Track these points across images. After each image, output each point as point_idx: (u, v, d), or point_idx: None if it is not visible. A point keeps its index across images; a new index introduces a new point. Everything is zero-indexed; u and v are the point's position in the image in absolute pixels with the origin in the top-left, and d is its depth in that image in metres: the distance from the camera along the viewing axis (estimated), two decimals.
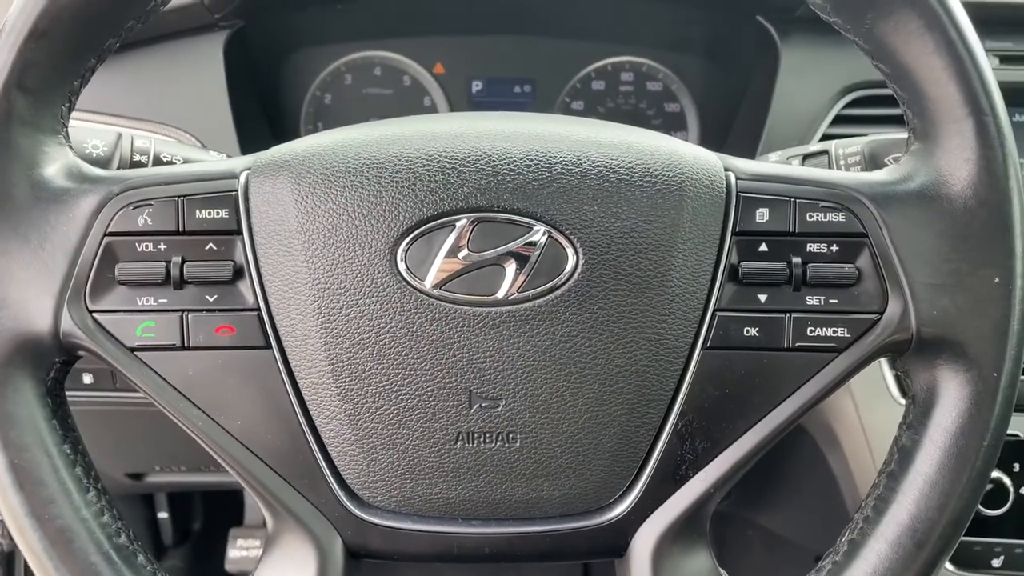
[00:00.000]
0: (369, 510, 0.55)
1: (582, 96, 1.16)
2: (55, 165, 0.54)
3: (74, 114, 0.58)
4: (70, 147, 0.56)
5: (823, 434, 0.94)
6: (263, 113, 1.10)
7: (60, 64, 0.53)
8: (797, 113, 0.98)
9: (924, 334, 0.53)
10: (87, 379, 0.93)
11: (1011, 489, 0.88)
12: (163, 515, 1.44)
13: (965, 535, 0.56)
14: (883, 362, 0.90)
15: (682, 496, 0.55)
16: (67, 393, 0.57)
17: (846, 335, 0.54)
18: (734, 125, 1.09)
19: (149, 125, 0.97)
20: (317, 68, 1.15)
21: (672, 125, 1.16)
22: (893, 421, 0.58)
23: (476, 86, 1.17)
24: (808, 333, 0.54)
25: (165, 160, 0.73)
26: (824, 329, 0.54)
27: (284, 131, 1.15)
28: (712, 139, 1.14)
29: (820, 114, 0.98)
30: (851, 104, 0.98)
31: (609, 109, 1.16)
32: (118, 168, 0.71)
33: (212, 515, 1.53)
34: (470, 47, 1.16)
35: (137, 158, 0.72)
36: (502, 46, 1.16)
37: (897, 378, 0.89)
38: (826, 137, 0.97)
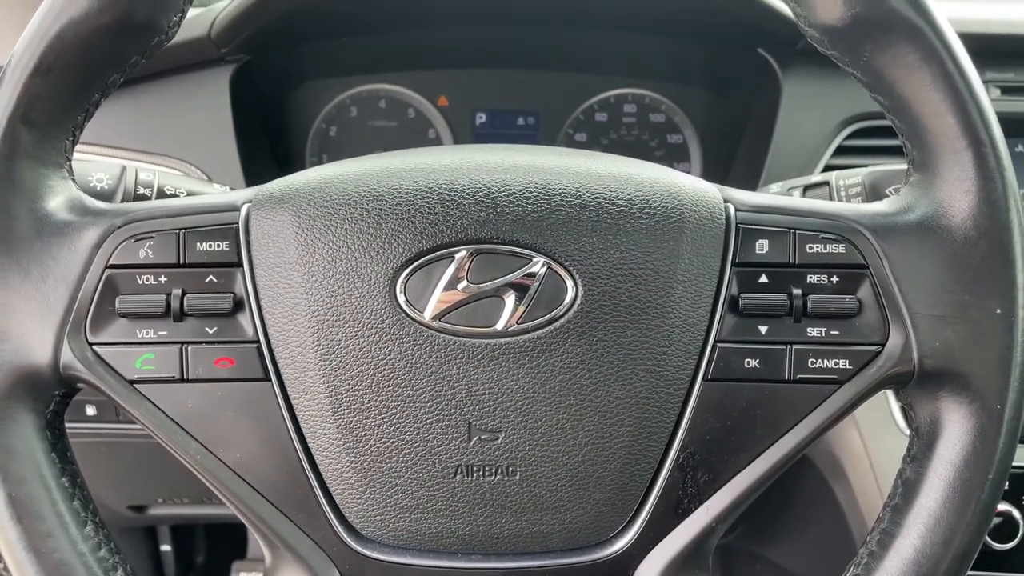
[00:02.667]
0: (367, 544, 0.55)
1: (585, 128, 1.17)
2: (58, 198, 0.54)
3: (80, 147, 0.58)
4: (73, 180, 0.56)
5: (829, 466, 0.93)
6: (269, 146, 1.11)
7: (64, 99, 0.54)
8: (799, 144, 0.99)
9: (927, 366, 0.53)
10: (90, 411, 0.93)
11: (1021, 523, 0.86)
12: (166, 548, 1.43)
13: (975, 569, 0.55)
14: (889, 394, 0.89)
15: (684, 530, 0.55)
16: (70, 425, 0.57)
17: (848, 367, 0.54)
18: (736, 156, 1.09)
19: (155, 158, 0.98)
20: (322, 101, 1.16)
21: (675, 157, 1.17)
22: (900, 453, 0.58)
23: (480, 118, 1.17)
24: (809, 365, 0.54)
25: (169, 193, 0.74)
26: (825, 361, 0.54)
27: (289, 164, 1.16)
28: (715, 170, 1.14)
29: (822, 145, 0.98)
30: (853, 135, 0.99)
31: (612, 141, 1.17)
32: (122, 201, 0.71)
33: (215, 548, 1.52)
34: (474, 80, 1.17)
35: (141, 191, 0.72)
36: (505, 79, 1.17)
37: (903, 409, 0.88)
38: (828, 168, 0.97)
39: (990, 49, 0.94)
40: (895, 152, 0.95)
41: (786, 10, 0.94)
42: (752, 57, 1.03)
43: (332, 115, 1.17)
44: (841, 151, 0.98)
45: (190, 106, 1.01)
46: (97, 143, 0.97)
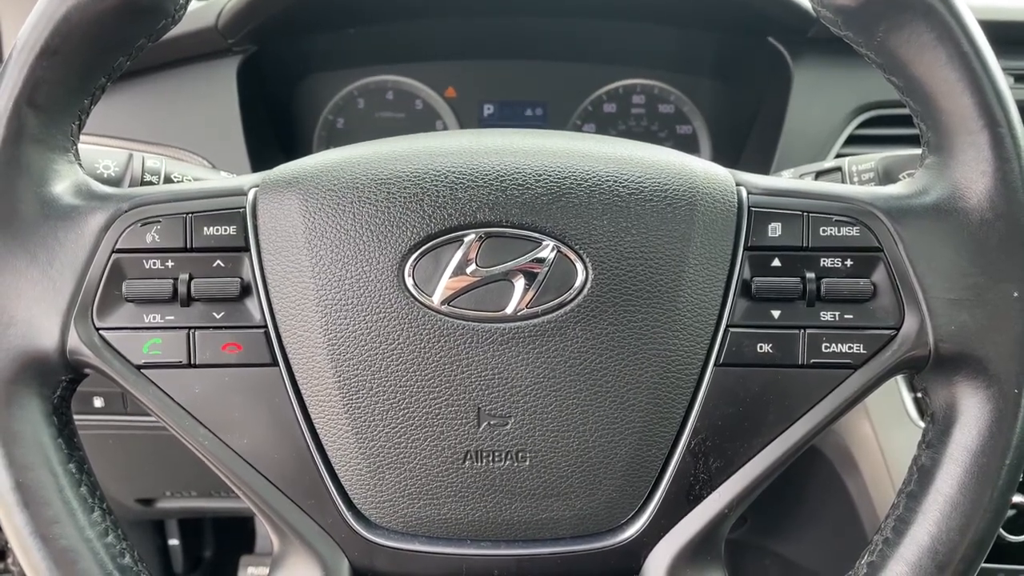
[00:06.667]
0: (376, 531, 0.54)
1: (594, 119, 1.17)
2: (64, 182, 0.54)
3: (88, 137, 0.58)
4: (80, 165, 0.56)
5: (841, 458, 0.93)
6: (275, 137, 1.11)
7: (71, 82, 0.53)
8: (810, 134, 0.98)
9: (942, 350, 0.52)
10: (98, 403, 0.93)
11: None
12: (174, 542, 1.43)
13: (987, 561, 0.55)
14: (901, 384, 0.88)
15: (696, 517, 0.54)
16: (77, 417, 0.57)
17: (862, 351, 0.53)
18: (746, 147, 1.09)
19: (163, 149, 0.98)
20: (330, 92, 1.16)
21: (684, 147, 1.16)
22: (912, 444, 0.57)
23: (488, 109, 1.17)
24: (823, 349, 0.53)
25: (176, 180, 0.73)
26: (839, 345, 0.53)
27: (296, 155, 1.14)
28: (725, 161, 1.12)
29: (833, 135, 0.97)
30: (865, 124, 0.98)
31: (621, 131, 1.16)
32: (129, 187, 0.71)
33: (223, 542, 1.52)
34: (481, 71, 1.17)
35: (148, 178, 0.72)
36: (513, 70, 1.17)
37: (916, 400, 0.88)
38: (840, 157, 0.96)
39: (1002, 36, 0.93)
40: (908, 141, 0.94)
41: None
42: (762, 46, 1.02)
43: (339, 106, 1.16)
44: (853, 140, 0.97)
45: (197, 97, 1.00)
46: (104, 134, 0.97)
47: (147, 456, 1.07)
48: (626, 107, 1.16)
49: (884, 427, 0.87)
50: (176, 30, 0.58)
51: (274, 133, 1.11)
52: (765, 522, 1.16)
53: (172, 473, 1.11)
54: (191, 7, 0.79)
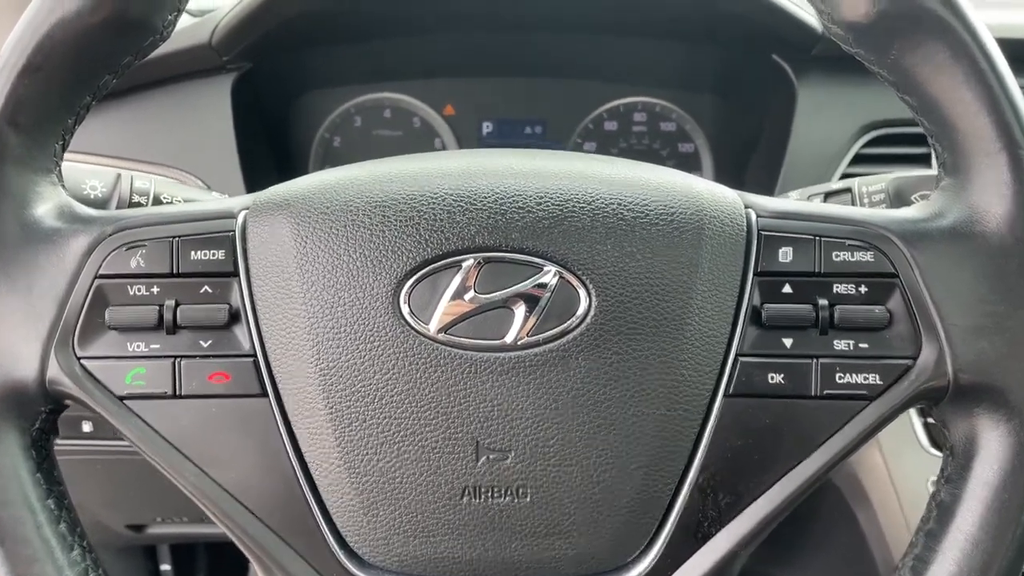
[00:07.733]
0: (369, 570, 0.52)
1: (594, 137, 1.15)
2: (46, 205, 0.52)
3: (79, 156, 0.56)
4: (63, 186, 0.54)
5: (850, 487, 0.90)
6: (271, 156, 1.10)
7: (54, 101, 0.52)
8: (815, 153, 0.96)
9: (962, 380, 0.50)
10: (86, 428, 0.91)
11: None
12: (166, 567, 1.40)
13: None
14: (912, 410, 0.86)
15: (705, 555, 0.52)
16: (65, 442, 0.55)
17: (878, 382, 0.51)
18: (750, 165, 1.07)
19: (157, 168, 0.97)
20: (326, 110, 1.15)
21: (686, 166, 1.15)
22: (924, 473, 0.55)
23: (486, 127, 1.15)
24: (837, 380, 0.51)
25: (165, 201, 0.71)
26: (854, 375, 0.51)
27: (292, 174, 1.13)
28: (727, 180, 1.11)
29: (839, 153, 0.96)
30: (871, 143, 0.96)
31: (622, 150, 1.15)
32: (116, 209, 0.69)
33: (216, 568, 1.49)
34: (480, 88, 1.15)
35: (136, 199, 0.70)
36: (512, 87, 1.16)
37: (926, 427, 0.85)
38: (846, 177, 0.95)
39: (1020, 55, 0.91)
40: (916, 160, 0.92)
41: (801, 15, 0.92)
42: (766, 63, 1.01)
43: (336, 125, 1.15)
44: (859, 159, 0.95)
45: (191, 115, 0.99)
46: (96, 153, 0.95)
47: (137, 482, 1.04)
48: (627, 125, 1.15)
49: (894, 455, 0.85)
50: (169, 47, 0.56)
51: (270, 152, 1.09)
52: (773, 551, 1.14)
53: (163, 499, 1.09)
54: (186, 24, 0.77)
